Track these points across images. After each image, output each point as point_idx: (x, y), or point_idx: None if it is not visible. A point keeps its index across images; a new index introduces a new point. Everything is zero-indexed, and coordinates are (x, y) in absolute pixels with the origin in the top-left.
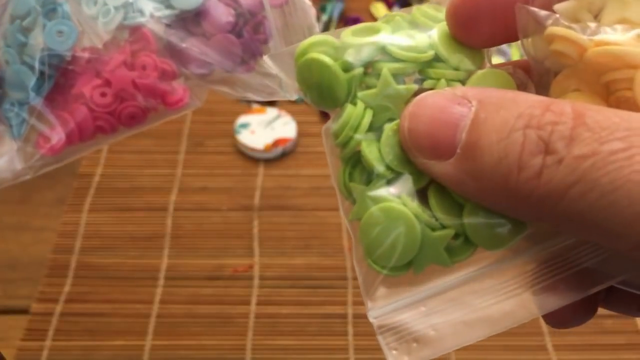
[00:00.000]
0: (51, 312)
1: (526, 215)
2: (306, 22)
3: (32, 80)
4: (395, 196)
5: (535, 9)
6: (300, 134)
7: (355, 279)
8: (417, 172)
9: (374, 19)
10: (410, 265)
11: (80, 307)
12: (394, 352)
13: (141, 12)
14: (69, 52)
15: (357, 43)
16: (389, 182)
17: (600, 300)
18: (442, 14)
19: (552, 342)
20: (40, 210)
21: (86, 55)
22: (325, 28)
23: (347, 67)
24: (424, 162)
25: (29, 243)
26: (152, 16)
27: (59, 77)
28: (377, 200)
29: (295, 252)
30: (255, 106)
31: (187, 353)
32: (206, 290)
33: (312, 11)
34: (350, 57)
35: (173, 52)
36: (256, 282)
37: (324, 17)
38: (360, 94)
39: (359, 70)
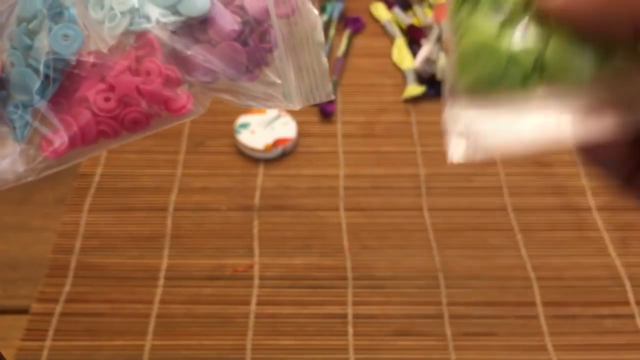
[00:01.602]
0: (51, 312)
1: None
2: (312, 31)
3: (36, 83)
4: (493, 25)
5: None
6: (300, 134)
7: (355, 279)
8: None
9: (374, 19)
10: (490, 87)
11: (80, 307)
12: (457, 141)
13: (147, 18)
14: (74, 57)
15: None
16: (492, 10)
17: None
18: None
19: (552, 342)
20: (40, 210)
21: (91, 59)
22: (325, 28)
23: None
24: None
25: (29, 243)
26: (158, 22)
27: (63, 80)
28: (476, 27)
29: (295, 252)
30: None
31: (187, 353)
32: (206, 290)
33: (319, 21)
34: None
35: (178, 59)
36: (256, 282)
37: (324, 17)
38: None
39: None
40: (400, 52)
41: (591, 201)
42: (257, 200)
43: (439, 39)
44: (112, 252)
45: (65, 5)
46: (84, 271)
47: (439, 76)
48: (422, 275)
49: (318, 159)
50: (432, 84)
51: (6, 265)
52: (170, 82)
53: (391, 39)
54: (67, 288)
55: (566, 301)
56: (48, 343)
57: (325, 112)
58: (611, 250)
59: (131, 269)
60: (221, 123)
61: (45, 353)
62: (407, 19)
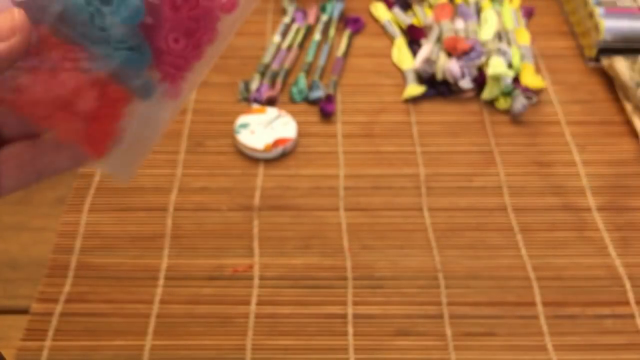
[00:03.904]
0: (51, 312)
1: None
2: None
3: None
4: None
5: None
6: (300, 134)
7: (355, 279)
8: None
9: (374, 19)
10: None
11: (80, 307)
12: None
13: None
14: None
15: None
16: None
17: None
18: None
19: (552, 342)
20: (40, 210)
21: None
22: (325, 28)
23: None
24: None
25: (29, 243)
26: None
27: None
28: None
29: (295, 252)
30: (255, 106)
31: (187, 353)
32: (206, 290)
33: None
34: None
35: None
36: (256, 282)
37: (324, 17)
38: None
39: None
40: (400, 52)
41: (591, 201)
42: (257, 200)
43: (439, 39)
44: (112, 252)
45: None
46: (84, 271)
47: (439, 76)
48: (422, 275)
49: (318, 159)
50: (432, 84)
51: (6, 265)
52: None
53: (391, 39)
54: (67, 288)
55: (566, 301)
56: (48, 343)
57: (325, 112)
58: (611, 250)
59: (131, 269)
60: (221, 123)
61: (45, 353)
62: (407, 19)
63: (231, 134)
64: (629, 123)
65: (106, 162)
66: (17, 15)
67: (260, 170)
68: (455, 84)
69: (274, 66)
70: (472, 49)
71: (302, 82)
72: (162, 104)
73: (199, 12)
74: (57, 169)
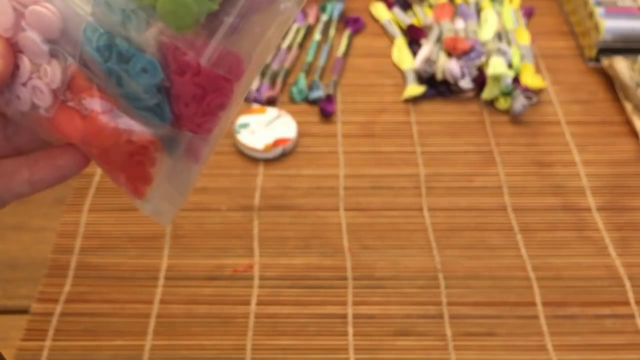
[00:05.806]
0: (51, 312)
1: None
2: None
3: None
4: None
5: None
6: (300, 134)
7: (355, 279)
8: None
9: (374, 19)
10: None
11: (80, 307)
12: None
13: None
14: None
15: None
16: None
17: None
18: None
19: (552, 342)
20: (40, 210)
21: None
22: (326, 28)
23: None
24: None
25: (29, 243)
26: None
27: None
28: None
29: (295, 252)
30: (255, 106)
31: (187, 353)
32: (206, 290)
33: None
34: None
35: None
36: (256, 282)
37: (324, 17)
38: None
39: None
40: (400, 52)
41: (591, 201)
42: (257, 200)
43: (439, 39)
44: (112, 252)
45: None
46: (84, 271)
47: (439, 76)
48: (422, 275)
49: (318, 159)
50: (432, 84)
51: (6, 265)
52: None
53: (391, 39)
54: (67, 288)
55: (566, 301)
56: (48, 343)
57: (325, 112)
58: (611, 250)
59: (131, 269)
60: None
61: (45, 353)
62: (407, 19)
63: (231, 134)
64: (629, 123)
65: (144, 204)
66: None
67: (260, 170)
68: (455, 84)
69: (274, 66)
70: (472, 49)
71: (302, 82)
72: (187, 164)
73: (203, 79)
74: (17, 194)
